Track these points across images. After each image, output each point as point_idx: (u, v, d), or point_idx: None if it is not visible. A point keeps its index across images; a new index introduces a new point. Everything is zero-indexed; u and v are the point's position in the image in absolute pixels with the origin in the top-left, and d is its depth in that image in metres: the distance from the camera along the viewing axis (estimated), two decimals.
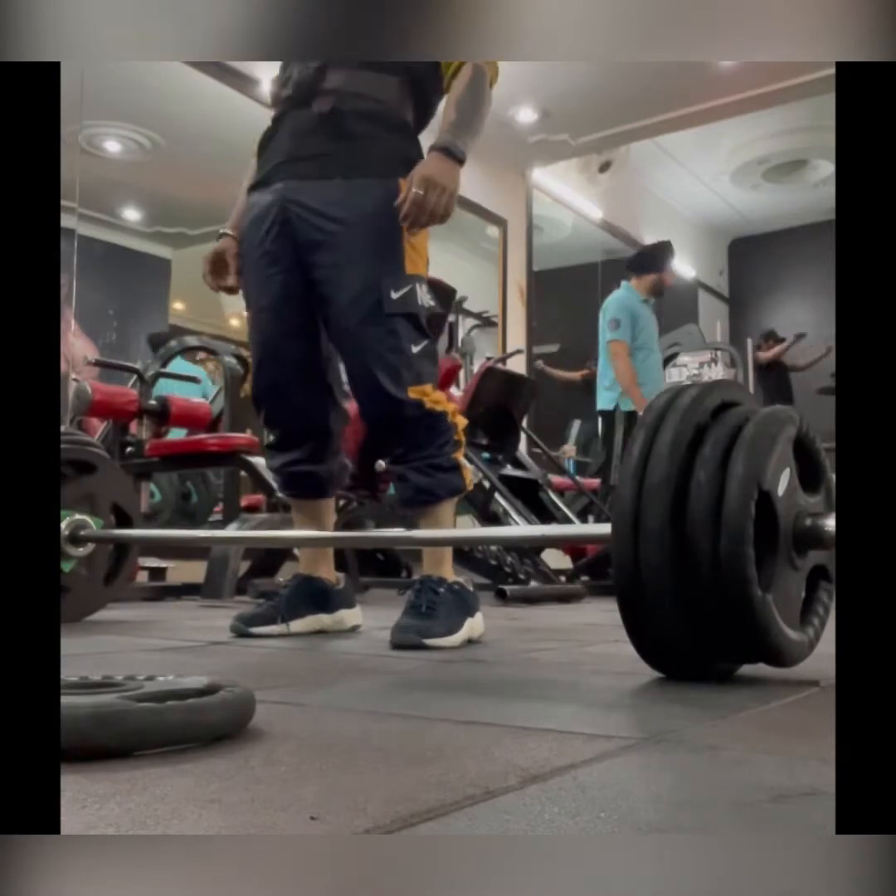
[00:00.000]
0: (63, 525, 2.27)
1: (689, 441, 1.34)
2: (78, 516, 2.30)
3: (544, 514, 4.50)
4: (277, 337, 2.01)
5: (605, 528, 1.43)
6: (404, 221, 1.83)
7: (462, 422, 2.03)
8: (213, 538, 3.42)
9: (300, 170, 1.94)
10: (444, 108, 1.93)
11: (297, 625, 2.09)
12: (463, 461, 2.02)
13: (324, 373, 2.07)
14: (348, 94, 1.92)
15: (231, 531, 3.47)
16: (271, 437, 2.12)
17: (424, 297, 1.95)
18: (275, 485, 2.24)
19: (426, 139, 2.01)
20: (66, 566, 2.30)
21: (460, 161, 1.83)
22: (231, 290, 2.08)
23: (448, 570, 2.02)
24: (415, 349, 1.92)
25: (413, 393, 1.91)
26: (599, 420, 5.05)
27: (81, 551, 2.32)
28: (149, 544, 3.65)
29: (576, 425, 8.38)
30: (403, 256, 1.91)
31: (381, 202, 1.88)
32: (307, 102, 1.94)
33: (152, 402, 3.92)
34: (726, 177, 8.67)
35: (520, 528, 3.90)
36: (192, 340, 4.84)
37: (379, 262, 1.90)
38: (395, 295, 1.89)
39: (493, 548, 3.81)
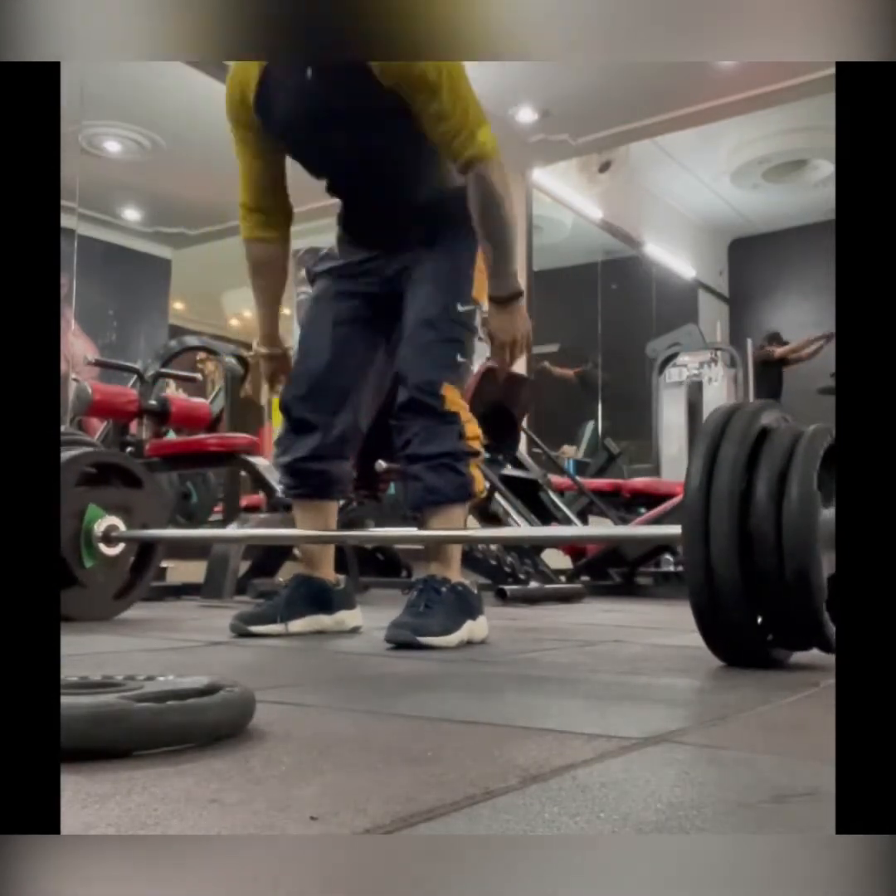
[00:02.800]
0: (98, 524, 2.37)
1: (749, 453, 1.50)
2: (111, 517, 2.40)
3: (544, 514, 4.50)
4: (345, 334, 2.13)
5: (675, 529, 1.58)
6: (501, 371, 2.09)
7: (475, 429, 2.05)
8: (232, 536, 3.41)
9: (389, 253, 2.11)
10: (478, 232, 1.96)
11: (296, 625, 2.10)
12: (476, 468, 2.05)
13: (368, 379, 2.17)
14: (430, 211, 2.05)
15: (245, 529, 3.48)
16: (289, 423, 2.14)
17: (478, 325, 2.10)
18: (281, 485, 2.25)
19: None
20: (89, 562, 2.37)
21: (517, 296, 1.97)
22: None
23: (454, 572, 2.02)
24: (460, 359, 2.05)
25: (443, 389, 2.00)
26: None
27: (111, 552, 2.41)
28: (171, 544, 3.70)
29: (589, 426, 8.41)
30: (472, 282, 2.06)
31: (461, 247, 2.05)
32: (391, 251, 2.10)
33: (152, 402, 3.92)
34: (726, 177, 8.67)
35: (582, 527, 3.96)
36: (192, 340, 4.84)
37: (452, 280, 2.05)
38: (461, 307, 2.04)
39: (493, 548, 3.81)
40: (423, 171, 2.02)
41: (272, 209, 2.13)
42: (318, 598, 2.16)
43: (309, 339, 2.16)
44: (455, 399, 2.01)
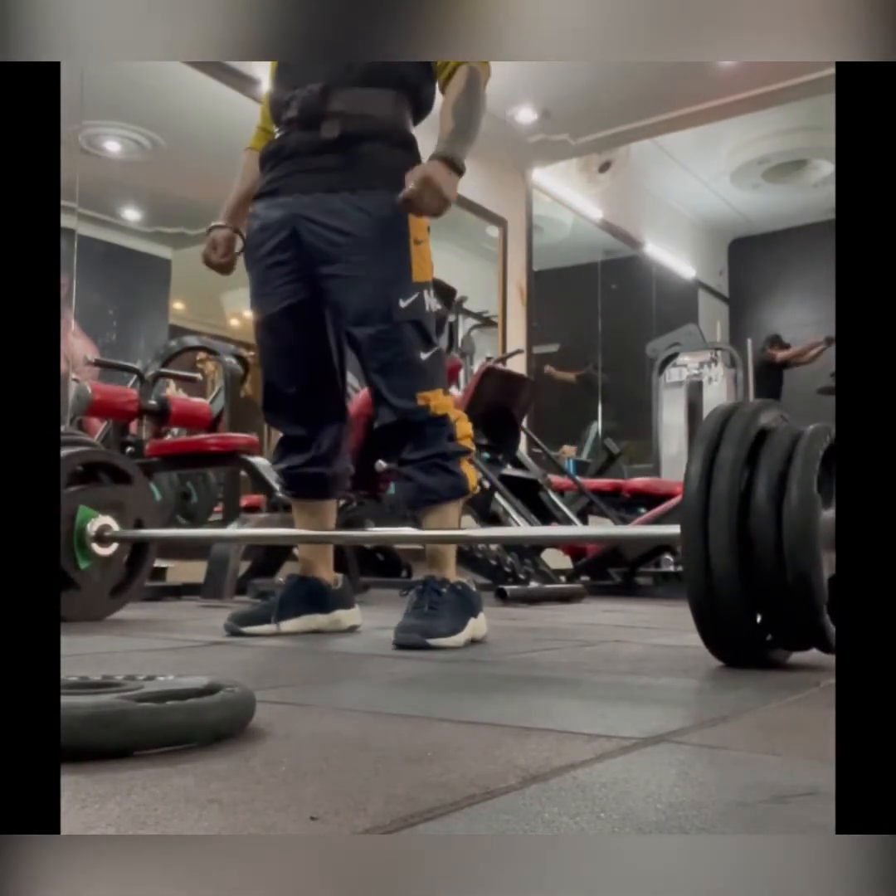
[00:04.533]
0: (90, 525, 2.36)
1: (747, 454, 1.49)
2: (104, 517, 2.38)
3: (544, 514, 4.50)
4: (290, 342, 2.08)
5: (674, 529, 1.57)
6: (401, 209, 1.89)
7: (465, 427, 2.05)
8: (232, 536, 3.40)
9: (308, 185, 2.00)
10: (441, 112, 1.95)
11: (289, 624, 2.10)
12: (467, 465, 2.05)
13: (335, 376, 2.15)
14: (353, 116, 1.97)
15: (245, 529, 3.47)
16: (280, 436, 2.17)
17: (431, 302, 2.03)
18: (278, 485, 2.27)
19: (421, 136, 2.06)
20: (85, 564, 2.36)
21: (460, 172, 1.88)
22: (226, 269, 2.21)
23: (451, 572, 2.03)
24: (424, 356, 1.99)
25: (421, 400, 1.98)
26: None
27: (105, 552, 2.40)
28: (166, 543, 3.70)
29: (593, 428, 8.43)
30: (410, 265, 1.98)
31: (387, 213, 1.96)
32: (314, 125, 1.99)
33: (152, 401, 3.91)
34: (726, 177, 8.66)
35: (578, 527, 3.95)
36: (192, 340, 4.84)
37: (387, 272, 1.97)
38: (403, 303, 1.96)
39: (493, 548, 3.81)
40: (402, 79, 2.00)
41: (271, 130, 2.17)
42: (313, 597, 2.16)
43: (267, 343, 2.11)
44: (438, 400, 2.00)
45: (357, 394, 3.49)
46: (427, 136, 2.02)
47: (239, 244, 2.19)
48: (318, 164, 1.99)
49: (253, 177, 2.18)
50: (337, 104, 1.97)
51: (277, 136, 2.07)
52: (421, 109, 2.09)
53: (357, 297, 1.97)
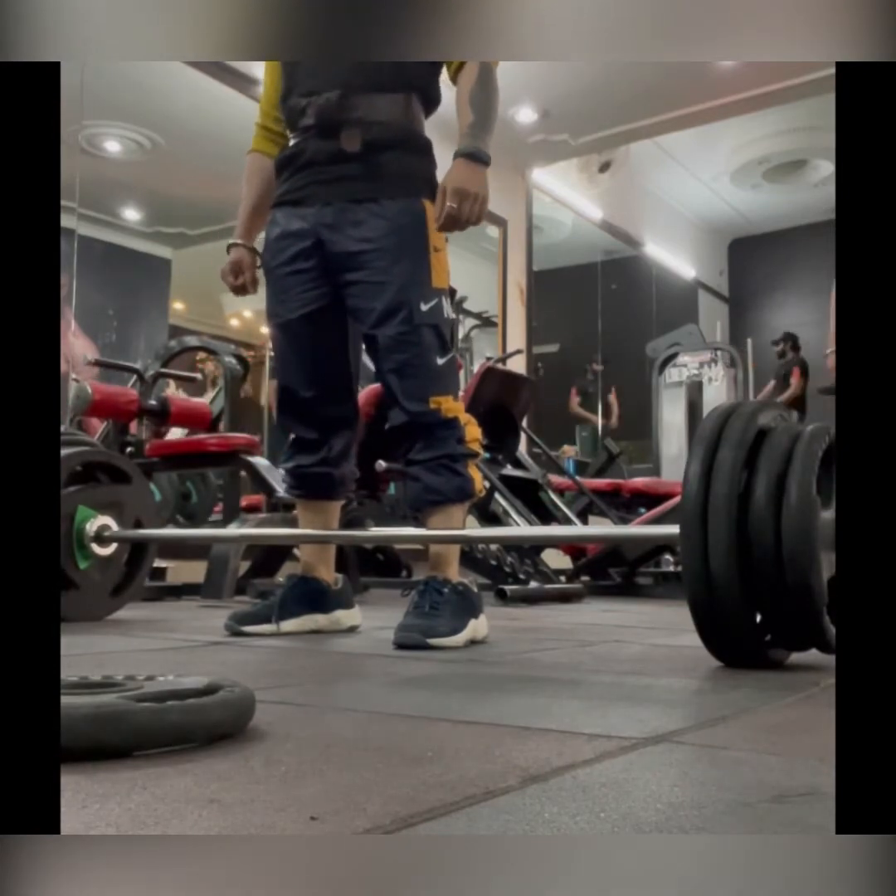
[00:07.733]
0: (90, 525, 2.36)
1: (747, 455, 1.50)
2: (103, 517, 2.39)
3: (544, 514, 4.50)
4: (308, 347, 2.10)
5: (673, 529, 1.57)
6: (441, 230, 1.92)
7: (475, 431, 2.06)
8: (232, 536, 3.40)
9: (330, 195, 2.02)
10: (457, 105, 1.94)
11: (290, 624, 2.10)
12: (475, 468, 2.06)
13: (350, 382, 2.16)
14: (371, 124, 1.98)
15: (245, 529, 3.47)
16: (292, 437, 2.18)
17: (448, 309, 2.06)
18: (284, 484, 2.27)
19: (431, 132, 2.08)
20: (84, 564, 2.36)
21: (486, 164, 1.89)
22: (249, 291, 2.21)
23: (453, 572, 2.03)
24: (440, 362, 2.01)
25: (433, 403, 1.99)
26: None
27: (105, 551, 2.40)
28: (166, 543, 3.70)
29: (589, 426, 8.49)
30: (430, 271, 2.00)
31: (408, 221, 1.99)
32: (332, 133, 1.99)
33: (152, 401, 3.91)
34: (726, 177, 8.67)
35: (577, 527, 3.95)
36: (192, 340, 4.84)
37: (408, 277, 1.98)
38: (423, 307, 1.98)
39: (493, 548, 3.81)
40: (410, 81, 2.01)
41: (275, 129, 2.17)
42: (313, 597, 2.16)
43: (284, 349, 2.12)
44: (450, 405, 2.01)
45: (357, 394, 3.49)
46: (433, 133, 2.05)
47: (258, 261, 2.19)
48: (338, 173, 2.00)
49: (260, 183, 2.18)
50: (354, 112, 1.98)
51: (293, 142, 2.07)
52: (431, 106, 2.10)
53: (378, 301, 1.99)
